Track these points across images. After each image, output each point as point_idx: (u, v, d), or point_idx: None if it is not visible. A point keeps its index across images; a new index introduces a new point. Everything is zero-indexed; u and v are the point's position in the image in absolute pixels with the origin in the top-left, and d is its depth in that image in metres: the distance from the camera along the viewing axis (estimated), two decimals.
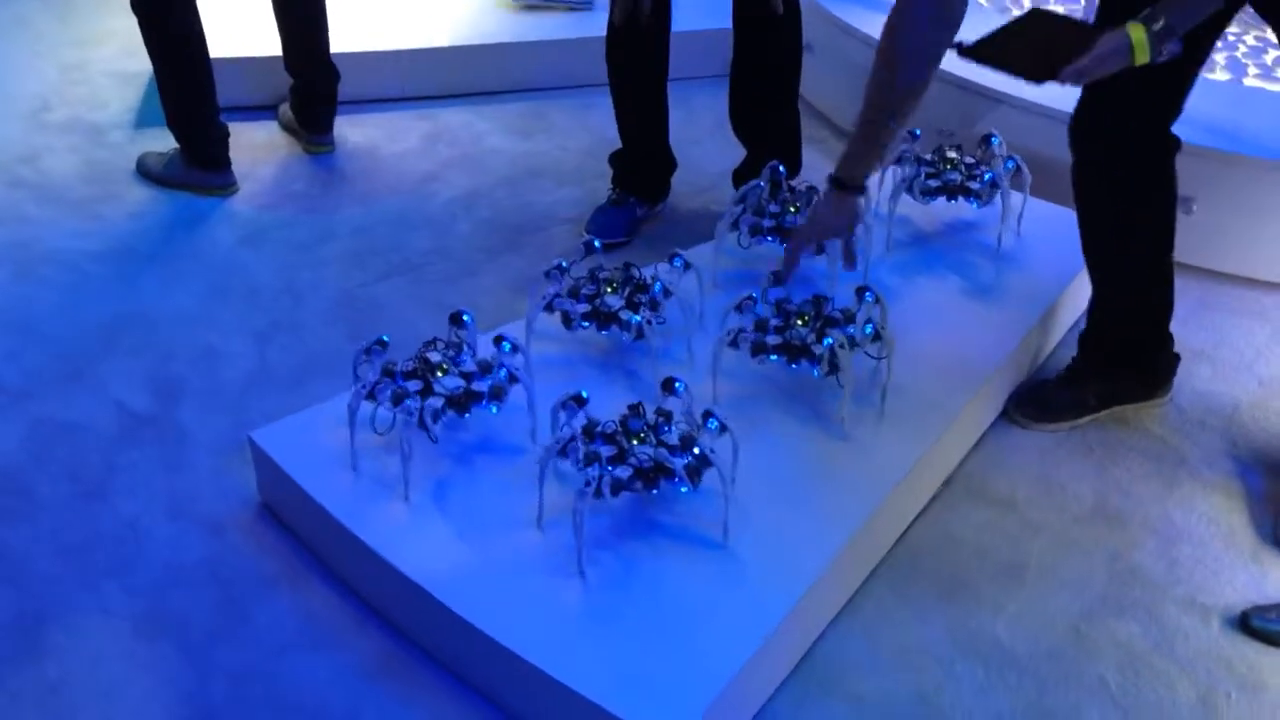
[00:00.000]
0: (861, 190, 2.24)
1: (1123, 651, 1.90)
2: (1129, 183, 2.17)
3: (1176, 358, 2.44)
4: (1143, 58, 1.81)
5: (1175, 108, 2.10)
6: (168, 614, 1.95)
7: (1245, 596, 2.01)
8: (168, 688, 1.82)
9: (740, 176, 2.99)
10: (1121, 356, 2.38)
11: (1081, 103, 2.16)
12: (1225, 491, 2.24)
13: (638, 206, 3.02)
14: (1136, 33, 1.80)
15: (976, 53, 1.93)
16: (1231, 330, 2.68)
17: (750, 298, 2.14)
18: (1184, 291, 2.71)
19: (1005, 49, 1.92)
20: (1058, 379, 2.44)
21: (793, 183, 2.61)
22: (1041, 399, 2.40)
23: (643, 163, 3.02)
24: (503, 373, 2.00)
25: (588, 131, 3.57)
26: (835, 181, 2.24)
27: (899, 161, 2.62)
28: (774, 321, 2.13)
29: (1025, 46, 1.92)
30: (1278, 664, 1.90)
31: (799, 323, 2.10)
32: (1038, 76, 1.86)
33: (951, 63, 3.24)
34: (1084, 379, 2.40)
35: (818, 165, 3.28)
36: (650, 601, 1.78)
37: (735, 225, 2.50)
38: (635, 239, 3.01)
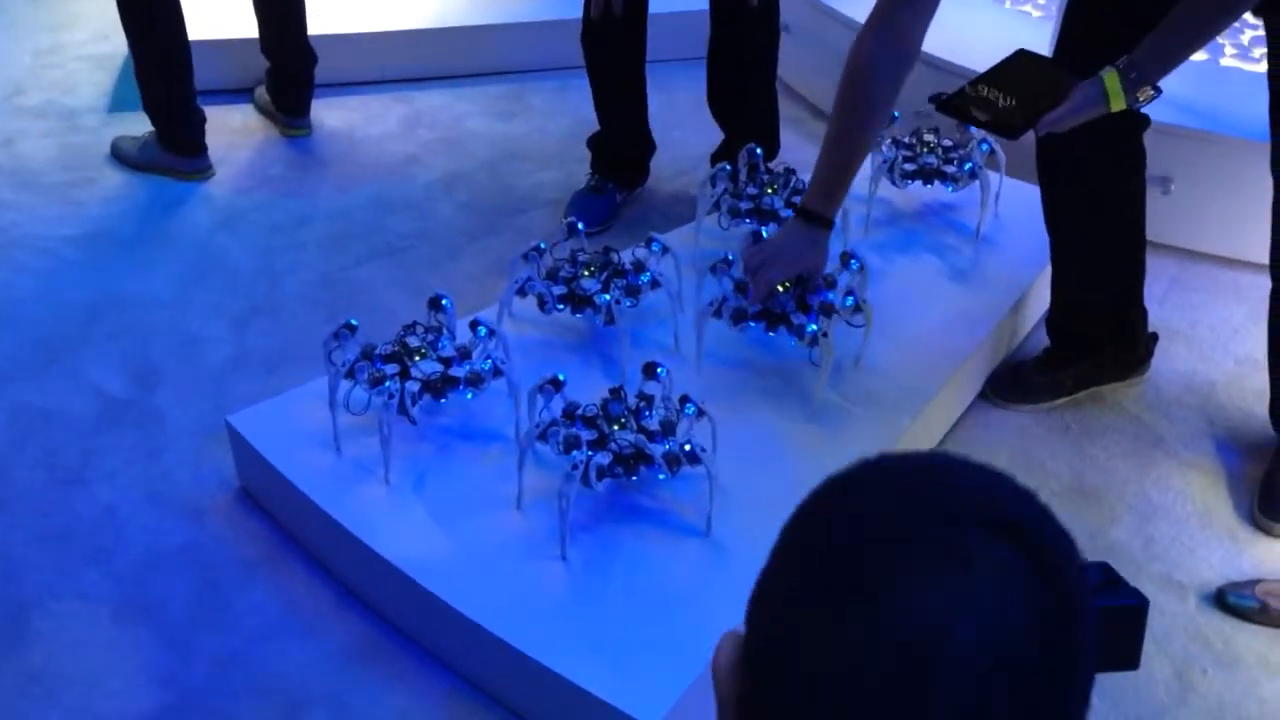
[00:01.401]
0: (832, 226, 2.11)
1: None
2: (1094, 161, 2.16)
3: (1154, 337, 2.46)
4: (1118, 104, 1.82)
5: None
6: (148, 600, 1.94)
7: (1221, 573, 2.03)
8: (149, 673, 1.82)
9: (719, 159, 2.98)
10: (1091, 339, 2.39)
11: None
12: (1201, 470, 2.26)
13: (617, 192, 3.02)
14: (1111, 80, 1.81)
15: (952, 106, 1.93)
16: (1208, 309, 2.70)
17: (726, 260, 2.14)
18: (1160, 270, 2.73)
19: (981, 101, 1.91)
20: (1035, 360, 2.45)
21: (771, 164, 2.61)
22: (1019, 380, 2.41)
23: (622, 149, 3.02)
24: (487, 363, 2.00)
25: (567, 113, 3.56)
26: (805, 215, 2.10)
27: (878, 145, 2.62)
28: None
29: (1002, 96, 1.91)
30: (1252, 640, 1.92)
31: (780, 289, 2.10)
32: (1012, 132, 1.87)
33: (931, 44, 3.24)
34: (1062, 361, 2.41)
35: (796, 146, 3.28)
36: (631, 584, 1.79)
37: (716, 207, 2.50)
38: (614, 221, 3.00)
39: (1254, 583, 1.98)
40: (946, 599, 0.56)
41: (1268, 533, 2.11)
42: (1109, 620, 0.67)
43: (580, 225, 2.33)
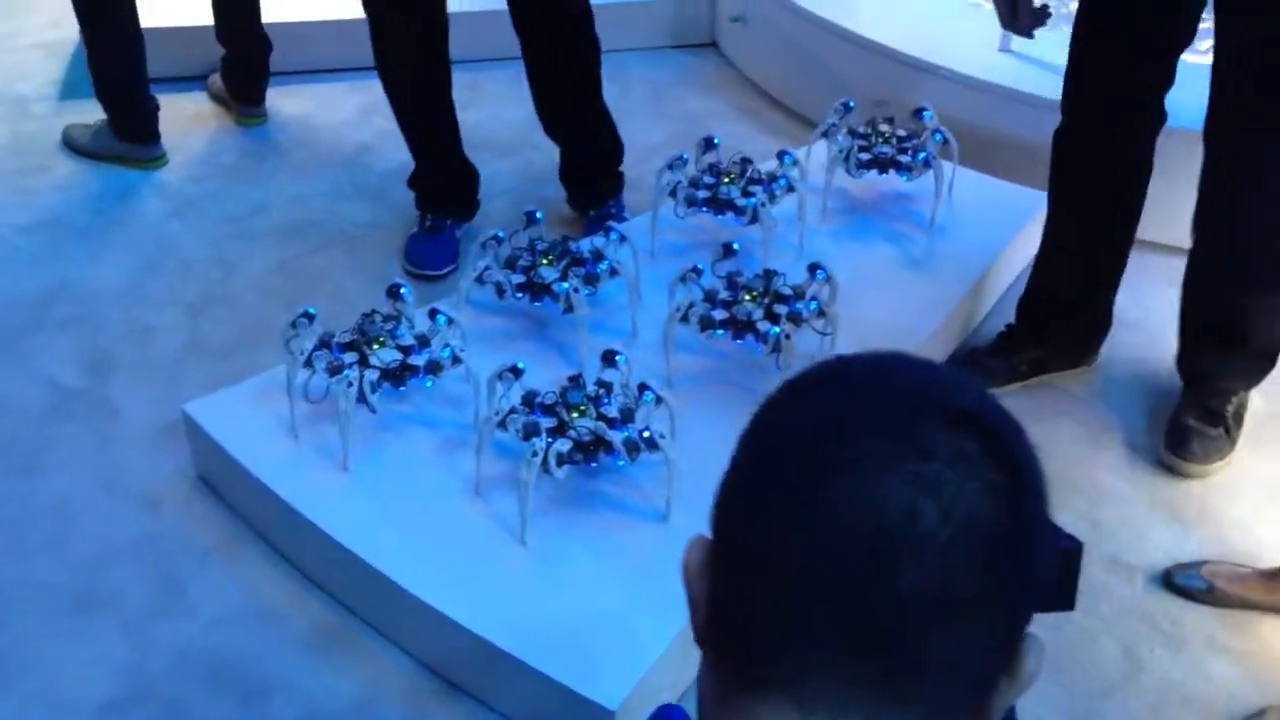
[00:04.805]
0: None
1: None
2: (1116, 153, 2.25)
3: (1107, 325, 2.50)
4: None
5: (1167, 79, 2.16)
6: (104, 588, 1.94)
7: (1168, 555, 2.07)
8: (106, 661, 1.81)
9: (564, 178, 2.89)
10: (1061, 322, 2.44)
11: (1079, 68, 2.20)
12: (1148, 454, 2.30)
13: (455, 228, 2.84)
14: None
15: None
16: (1156, 298, 2.73)
17: (695, 270, 2.15)
18: None
19: None
20: (991, 345, 2.48)
21: (736, 156, 2.60)
22: (975, 365, 2.45)
23: (452, 179, 2.86)
24: (446, 351, 2.00)
25: (523, 102, 3.52)
26: None
27: (831, 135, 2.64)
28: (722, 295, 2.15)
29: None
30: (1199, 619, 1.96)
31: (747, 298, 2.12)
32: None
33: (888, 35, 3.27)
34: (1017, 346, 2.45)
35: (751, 136, 3.30)
36: (590, 570, 1.80)
37: (672, 195, 2.50)
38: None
39: (1201, 564, 2.02)
40: (909, 485, 0.58)
41: (1174, 469, 2.22)
42: None
43: (538, 214, 2.33)
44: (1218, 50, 2.05)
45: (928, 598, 0.58)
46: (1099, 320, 2.48)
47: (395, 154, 3.26)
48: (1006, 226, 2.68)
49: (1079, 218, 2.34)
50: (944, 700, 0.60)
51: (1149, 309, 2.69)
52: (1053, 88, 2.83)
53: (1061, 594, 0.82)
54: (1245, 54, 2.00)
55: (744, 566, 0.63)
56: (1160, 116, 2.21)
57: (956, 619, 0.59)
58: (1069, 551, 0.82)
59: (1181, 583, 2.00)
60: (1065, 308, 2.43)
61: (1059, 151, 2.30)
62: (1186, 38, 2.11)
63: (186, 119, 3.37)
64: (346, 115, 3.46)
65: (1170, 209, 2.57)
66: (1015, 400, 2.39)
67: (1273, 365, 2.18)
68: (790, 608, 0.60)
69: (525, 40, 2.72)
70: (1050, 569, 0.65)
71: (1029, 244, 2.76)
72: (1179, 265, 2.39)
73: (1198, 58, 3.25)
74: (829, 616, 0.59)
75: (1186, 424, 2.27)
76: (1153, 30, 2.08)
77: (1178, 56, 2.13)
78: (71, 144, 3.19)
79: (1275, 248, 2.14)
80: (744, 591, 0.63)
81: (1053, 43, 3.21)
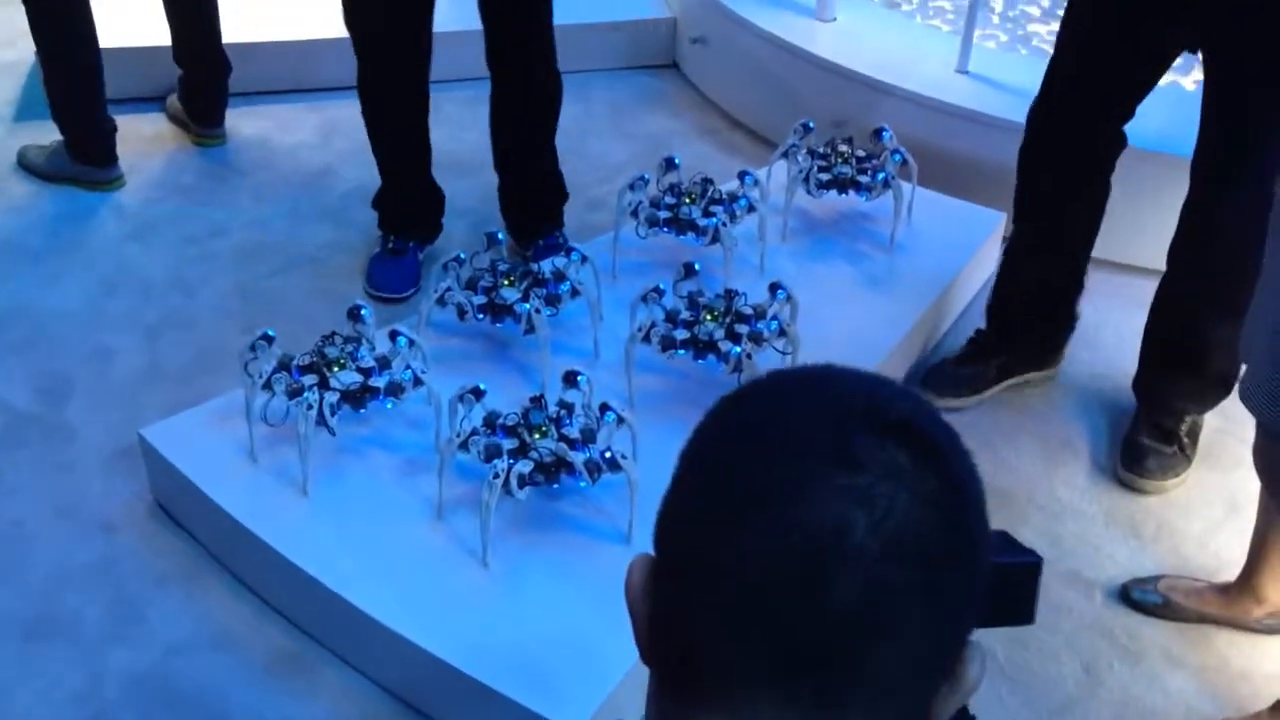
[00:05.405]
0: None
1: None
2: (1076, 171, 2.32)
3: (1071, 325, 2.54)
4: None
5: (1133, 109, 2.24)
6: (59, 615, 1.91)
7: (1126, 570, 2.09)
8: (60, 689, 1.79)
9: (506, 211, 2.89)
10: (1028, 322, 2.49)
11: (1049, 89, 2.26)
12: (1106, 470, 2.32)
13: (418, 250, 2.83)
14: None
15: None
16: (1113, 315, 2.77)
17: (657, 290, 2.16)
18: None
19: None
20: (958, 356, 2.52)
21: (698, 177, 2.61)
22: (944, 376, 2.47)
23: (419, 201, 2.86)
24: (407, 373, 1.99)
25: (481, 124, 3.54)
26: None
27: (791, 155, 2.66)
28: (684, 315, 2.15)
29: None
30: (1157, 634, 1.98)
31: (708, 318, 2.13)
32: None
33: (845, 56, 3.30)
34: (985, 351, 2.50)
35: (711, 157, 3.31)
36: (553, 591, 1.79)
37: (633, 216, 2.51)
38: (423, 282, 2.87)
39: (1158, 579, 2.04)
40: (839, 501, 0.58)
41: (1130, 486, 2.27)
42: (1007, 577, 0.71)
43: (500, 235, 2.33)
44: (1206, 94, 2.11)
45: (860, 613, 0.58)
46: (1063, 320, 2.54)
47: (355, 175, 3.25)
48: (965, 245, 2.71)
49: (1041, 226, 2.40)
50: (881, 711, 0.60)
51: (1107, 327, 2.73)
52: (1010, 108, 2.88)
53: (1021, 608, 0.82)
54: (1232, 101, 2.07)
55: (682, 584, 0.63)
56: (1120, 142, 2.29)
57: (891, 633, 0.59)
58: (1029, 566, 0.83)
59: (1139, 598, 2.02)
60: (1031, 307, 2.48)
61: (1023, 165, 2.36)
62: (1156, 78, 2.20)
63: (144, 140, 3.34)
64: (306, 136, 3.45)
65: (1131, 230, 2.63)
66: (973, 416, 2.42)
67: (1228, 392, 2.22)
68: (727, 626, 0.60)
69: (493, 75, 2.76)
70: (993, 578, 0.64)
71: (988, 262, 2.80)
72: (1137, 284, 2.44)
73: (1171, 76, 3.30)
74: (764, 634, 0.59)
75: (1141, 442, 2.31)
76: (1126, 75, 2.16)
77: (1143, 98, 2.21)
78: (27, 165, 3.15)
79: (1243, 284, 2.18)
80: (683, 610, 0.63)
81: (1011, 65, 3.27)
